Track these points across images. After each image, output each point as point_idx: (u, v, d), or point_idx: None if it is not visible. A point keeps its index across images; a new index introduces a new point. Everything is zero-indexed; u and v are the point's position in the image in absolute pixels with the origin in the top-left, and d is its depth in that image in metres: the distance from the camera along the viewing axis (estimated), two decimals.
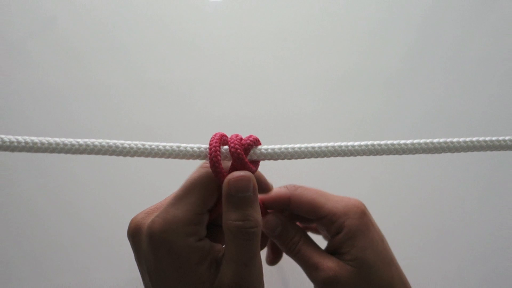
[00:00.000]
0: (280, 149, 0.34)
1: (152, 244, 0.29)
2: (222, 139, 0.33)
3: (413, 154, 0.33)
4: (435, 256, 0.61)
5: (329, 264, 0.35)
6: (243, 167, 0.32)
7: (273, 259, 0.45)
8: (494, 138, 0.33)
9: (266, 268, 0.35)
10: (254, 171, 0.33)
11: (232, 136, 0.34)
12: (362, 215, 0.36)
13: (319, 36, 0.69)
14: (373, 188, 0.61)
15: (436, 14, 0.69)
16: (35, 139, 0.31)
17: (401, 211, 0.61)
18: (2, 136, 0.31)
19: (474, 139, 0.33)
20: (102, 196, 0.60)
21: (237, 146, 0.33)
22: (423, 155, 0.34)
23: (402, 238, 0.59)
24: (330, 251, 0.38)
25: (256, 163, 0.34)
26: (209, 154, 0.32)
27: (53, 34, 0.67)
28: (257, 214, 0.31)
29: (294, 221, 0.41)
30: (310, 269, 0.37)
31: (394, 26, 0.69)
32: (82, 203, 0.60)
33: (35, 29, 0.67)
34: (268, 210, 0.41)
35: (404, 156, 0.34)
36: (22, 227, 0.61)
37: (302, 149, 0.34)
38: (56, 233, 0.61)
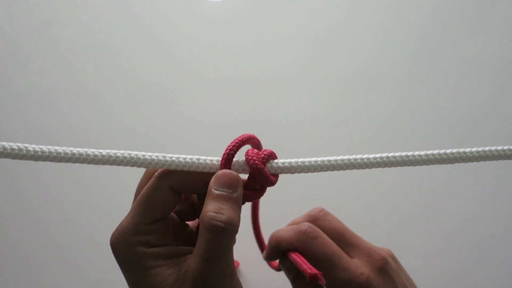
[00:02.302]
0: (296, 162, 0.35)
1: (113, 254, 0.32)
2: (235, 151, 0.34)
3: (427, 165, 0.34)
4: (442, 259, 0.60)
5: None
6: (262, 176, 0.33)
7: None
8: (505, 148, 0.34)
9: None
10: (274, 182, 0.34)
11: (248, 149, 0.35)
12: None
13: (321, 36, 0.70)
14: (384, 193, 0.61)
15: (438, 13, 0.71)
16: (59, 149, 0.32)
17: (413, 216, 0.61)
18: (27, 145, 0.32)
19: (487, 148, 0.34)
20: (101, 199, 0.60)
21: (254, 156, 0.34)
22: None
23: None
24: None
25: (275, 175, 0.35)
26: (220, 164, 0.33)
27: (49, 36, 0.69)
28: (234, 213, 0.31)
29: None
30: None
31: (406, 27, 0.71)
32: (84, 204, 0.60)
33: (35, 30, 0.69)
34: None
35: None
36: (24, 228, 0.61)
37: (319, 162, 0.35)
38: (60, 234, 0.61)
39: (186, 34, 0.72)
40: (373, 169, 0.34)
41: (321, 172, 0.35)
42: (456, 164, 0.32)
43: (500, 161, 0.33)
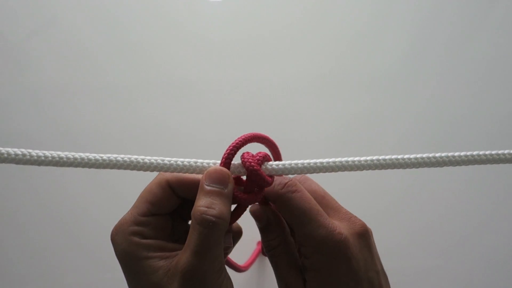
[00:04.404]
0: (290, 164, 0.36)
1: (112, 245, 0.33)
2: (236, 151, 0.35)
3: (417, 168, 0.35)
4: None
5: (291, 285, 0.35)
6: (259, 178, 0.34)
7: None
8: (493, 152, 0.35)
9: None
10: (270, 182, 0.35)
11: (244, 152, 0.36)
12: (336, 254, 0.33)
13: (321, 36, 0.71)
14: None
15: (432, 14, 0.72)
16: (62, 154, 0.34)
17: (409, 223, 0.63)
18: (30, 150, 0.33)
19: (475, 153, 0.35)
20: (100, 199, 0.62)
21: (249, 159, 0.35)
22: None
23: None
24: (302, 267, 0.36)
25: (271, 176, 0.36)
26: (220, 163, 0.35)
27: (54, 33, 0.69)
28: (225, 208, 0.32)
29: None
30: (276, 276, 0.37)
31: (394, 27, 0.72)
32: (82, 206, 0.62)
33: (36, 28, 0.69)
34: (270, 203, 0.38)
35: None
36: (25, 228, 0.63)
37: (311, 164, 0.36)
38: (56, 234, 0.62)
39: (186, 34, 0.72)
40: (370, 173, 0.35)
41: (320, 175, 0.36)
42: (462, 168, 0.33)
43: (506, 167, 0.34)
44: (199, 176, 0.35)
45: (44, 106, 0.68)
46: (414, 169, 0.59)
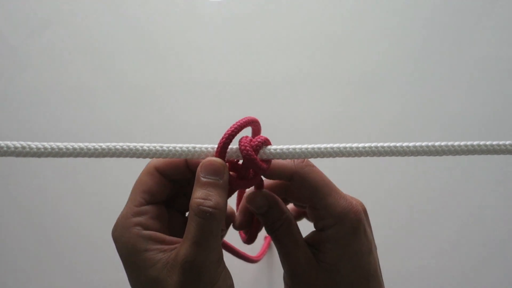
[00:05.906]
0: (288, 149, 0.36)
1: (114, 242, 0.34)
2: (231, 139, 0.35)
3: (415, 156, 0.35)
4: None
5: (300, 259, 0.36)
6: (254, 165, 0.35)
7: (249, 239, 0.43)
8: (494, 143, 0.34)
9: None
10: (265, 168, 0.36)
11: (242, 137, 0.36)
12: (356, 224, 0.35)
13: (321, 36, 0.70)
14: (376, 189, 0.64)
15: (441, 14, 0.70)
16: (61, 145, 0.34)
17: (403, 212, 0.64)
18: (29, 142, 0.33)
19: (475, 143, 0.34)
20: (100, 196, 0.62)
21: (246, 145, 0.35)
22: (425, 157, 0.36)
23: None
24: (310, 241, 0.38)
25: (267, 161, 0.36)
26: (215, 152, 0.35)
27: (49, 35, 0.69)
28: (220, 199, 0.33)
29: (284, 202, 0.39)
30: (282, 256, 0.38)
31: (404, 28, 0.71)
32: (82, 203, 0.64)
33: (31, 31, 0.68)
34: (264, 189, 0.39)
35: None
36: (23, 228, 0.65)
37: (309, 149, 0.36)
38: (55, 234, 0.65)
39: (185, 34, 0.69)
40: (376, 165, 0.35)
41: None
42: (459, 162, 0.33)
43: (504, 160, 0.34)
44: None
45: (40, 107, 0.67)
46: (419, 166, 0.59)
